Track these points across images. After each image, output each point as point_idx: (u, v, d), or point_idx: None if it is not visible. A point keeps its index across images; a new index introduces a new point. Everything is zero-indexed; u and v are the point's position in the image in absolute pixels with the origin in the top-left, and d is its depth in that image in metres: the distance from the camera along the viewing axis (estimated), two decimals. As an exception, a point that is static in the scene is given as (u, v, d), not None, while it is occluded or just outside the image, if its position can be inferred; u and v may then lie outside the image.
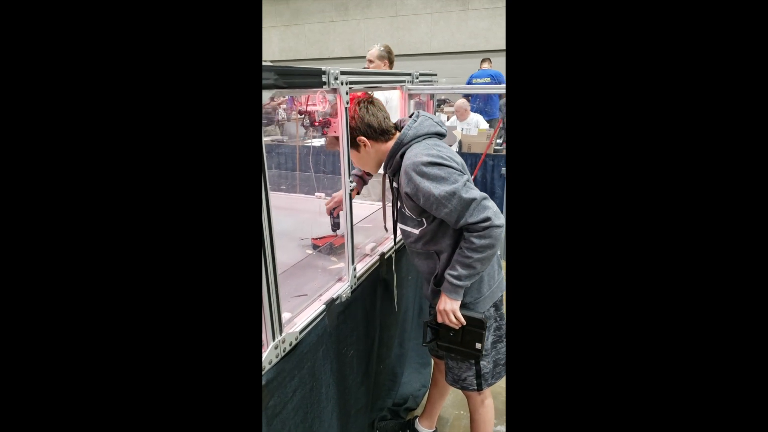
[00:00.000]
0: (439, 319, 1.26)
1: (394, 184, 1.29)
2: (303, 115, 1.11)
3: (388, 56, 2.47)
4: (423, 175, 1.12)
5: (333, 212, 1.53)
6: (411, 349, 1.97)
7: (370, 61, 2.47)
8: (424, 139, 1.20)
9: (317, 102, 1.08)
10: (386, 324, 1.64)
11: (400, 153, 1.20)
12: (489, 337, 1.31)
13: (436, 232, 1.24)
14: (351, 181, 1.25)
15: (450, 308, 1.23)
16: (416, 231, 1.28)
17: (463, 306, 1.27)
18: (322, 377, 1.18)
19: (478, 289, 1.27)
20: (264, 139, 0.96)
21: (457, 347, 1.29)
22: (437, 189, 1.11)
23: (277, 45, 9.73)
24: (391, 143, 1.24)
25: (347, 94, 1.16)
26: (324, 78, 1.06)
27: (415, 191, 1.14)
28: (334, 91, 1.13)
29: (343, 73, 1.13)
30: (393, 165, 1.23)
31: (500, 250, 1.33)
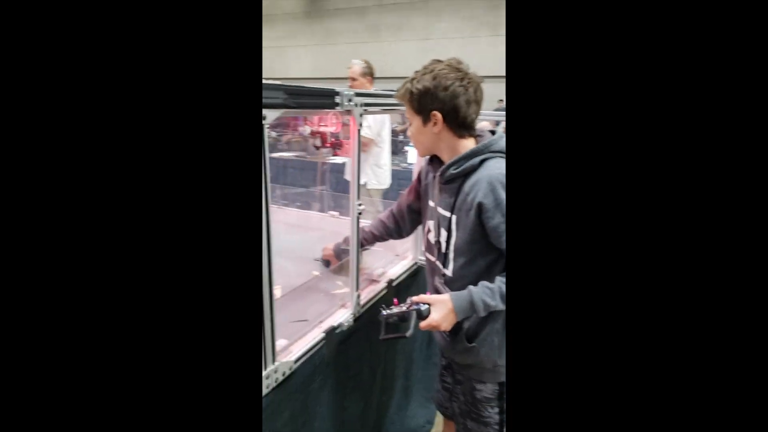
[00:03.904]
0: (424, 328, 1.02)
1: (444, 195, 1.08)
2: (315, 136, 1.09)
3: (370, 72, 2.49)
4: None
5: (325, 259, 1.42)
6: (417, 380, 1.89)
7: (353, 79, 2.48)
8: (505, 158, 1.02)
9: (328, 123, 1.05)
10: (391, 354, 1.58)
11: (481, 158, 1.02)
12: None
13: (479, 275, 1.04)
14: (359, 204, 1.21)
15: (449, 328, 1.03)
16: (448, 271, 1.09)
17: (489, 371, 1.12)
18: (317, 409, 1.12)
19: (500, 356, 1.10)
20: (286, 154, 0.93)
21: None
22: None
23: (309, 63, 9.94)
24: (460, 142, 1.05)
25: (361, 116, 1.13)
26: (337, 99, 1.04)
27: (496, 206, 0.96)
28: (348, 112, 1.10)
29: (358, 94, 1.10)
30: (463, 168, 1.03)
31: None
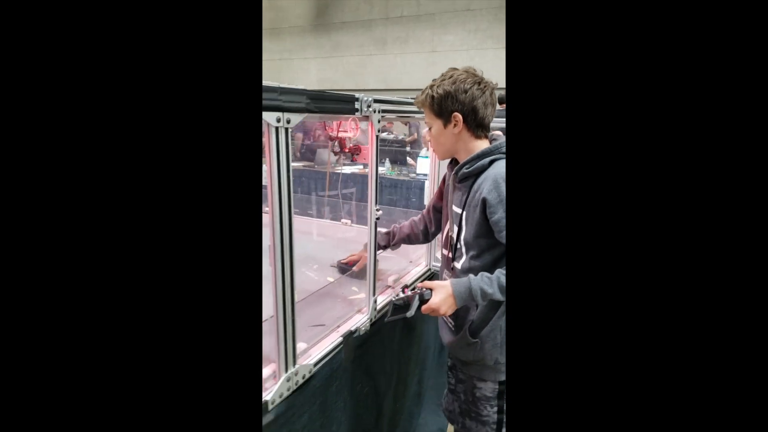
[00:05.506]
0: (425, 311, 1.09)
1: (458, 192, 1.15)
2: (334, 141, 1.10)
3: None
4: None
5: (347, 263, 1.46)
6: (430, 387, 1.88)
7: None
8: None
9: (348, 129, 1.06)
10: (405, 360, 1.57)
11: (491, 159, 1.08)
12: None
13: (485, 269, 1.08)
14: (377, 209, 1.22)
15: (449, 312, 1.08)
16: (458, 264, 1.15)
17: (490, 368, 1.15)
18: (334, 414, 1.12)
19: (502, 353, 1.14)
20: (295, 164, 0.95)
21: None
22: None
23: (315, 75, 10.05)
24: (476, 142, 1.12)
25: (379, 122, 1.14)
26: (357, 105, 1.05)
27: (499, 201, 1.02)
28: (366, 118, 1.12)
29: (376, 101, 1.12)
30: (475, 167, 1.09)
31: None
